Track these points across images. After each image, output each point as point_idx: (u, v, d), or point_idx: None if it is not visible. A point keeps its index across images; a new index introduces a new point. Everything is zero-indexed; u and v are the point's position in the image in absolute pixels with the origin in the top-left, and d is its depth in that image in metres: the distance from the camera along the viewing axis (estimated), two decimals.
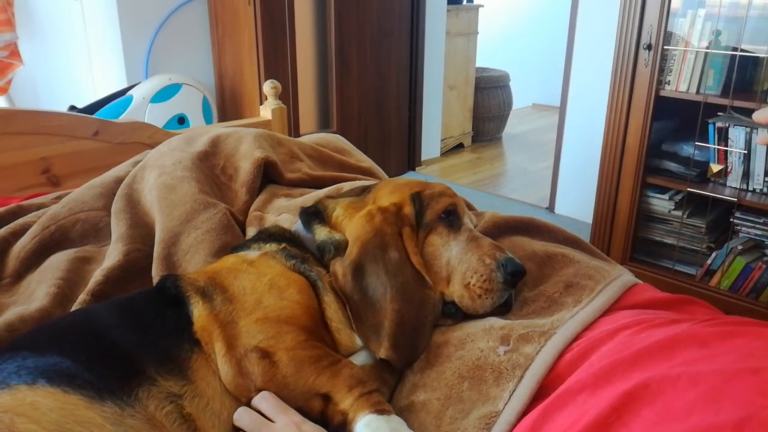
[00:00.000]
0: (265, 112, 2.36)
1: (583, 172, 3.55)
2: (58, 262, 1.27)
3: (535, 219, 1.22)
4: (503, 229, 1.18)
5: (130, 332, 0.86)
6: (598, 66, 3.36)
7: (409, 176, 1.76)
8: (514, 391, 0.81)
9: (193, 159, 1.47)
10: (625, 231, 2.79)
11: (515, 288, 1.00)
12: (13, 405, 0.68)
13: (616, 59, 2.65)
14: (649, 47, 2.55)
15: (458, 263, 0.99)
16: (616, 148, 2.73)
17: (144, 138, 2.00)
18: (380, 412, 0.79)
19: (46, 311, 1.10)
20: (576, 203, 3.72)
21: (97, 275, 1.18)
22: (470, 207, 1.34)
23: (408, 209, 1.03)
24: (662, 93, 2.60)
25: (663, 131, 2.78)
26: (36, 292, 1.19)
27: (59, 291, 1.17)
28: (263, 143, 1.54)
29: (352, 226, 1.02)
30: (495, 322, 0.93)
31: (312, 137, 1.82)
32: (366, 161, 1.74)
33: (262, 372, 0.82)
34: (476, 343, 0.89)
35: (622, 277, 1.02)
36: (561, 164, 3.79)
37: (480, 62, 5.23)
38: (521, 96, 6.12)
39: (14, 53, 3.05)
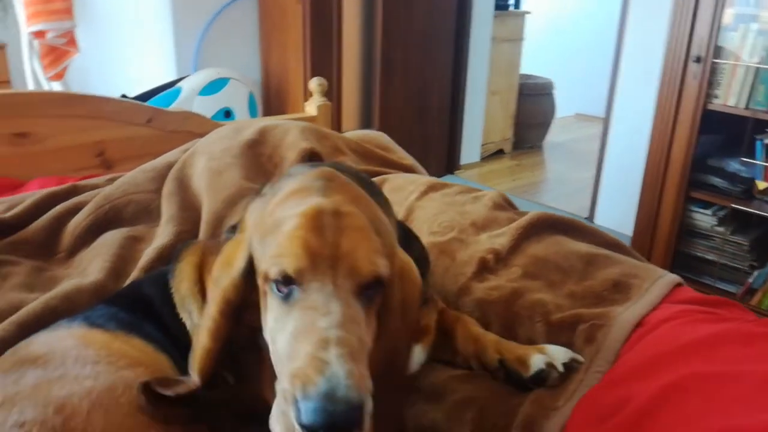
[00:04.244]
0: (311, 108, 2.40)
1: (625, 183, 3.51)
2: (111, 239, 1.33)
3: (579, 221, 1.23)
4: (547, 226, 1.20)
5: None
6: (644, 77, 3.32)
7: (446, 180, 1.68)
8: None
9: (241, 147, 1.51)
10: (665, 244, 2.76)
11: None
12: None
13: (664, 71, 2.62)
14: (698, 60, 2.51)
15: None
16: (661, 161, 2.70)
17: (194, 127, 2.06)
18: None
19: (101, 284, 1.15)
20: (616, 214, 3.68)
21: (149, 252, 1.23)
22: (511, 205, 1.36)
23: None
24: (710, 107, 2.56)
25: (709, 145, 2.73)
26: (90, 267, 1.24)
27: (112, 266, 1.22)
28: (309, 135, 1.58)
29: None
30: None
31: (356, 133, 1.86)
32: (408, 159, 1.77)
33: None
34: None
35: (667, 275, 1.04)
36: (603, 174, 3.75)
37: (524, 69, 5.21)
38: (565, 105, 6.08)
39: (71, 41, 3.15)
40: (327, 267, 0.64)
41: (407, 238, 0.96)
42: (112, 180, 1.63)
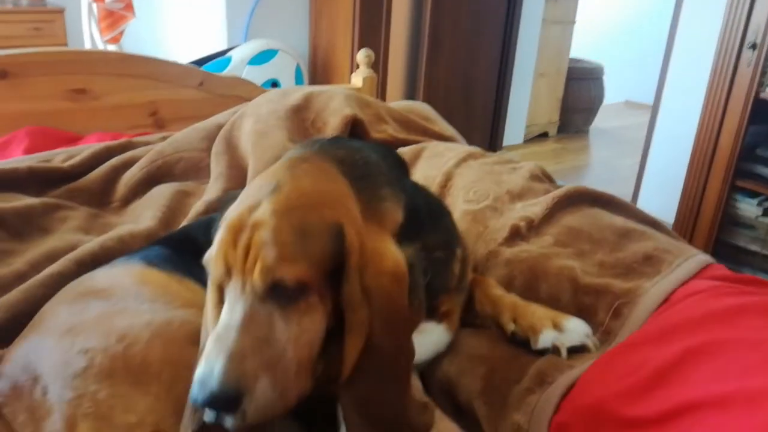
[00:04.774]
0: (356, 79, 2.43)
1: (670, 170, 3.45)
2: (162, 192, 1.40)
3: (617, 197, 1.24)
4: (584, 199, 1.21)
5: None
6: (697, 65, 3.24)
7: None
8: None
9: (287, 111, 1.57)
10: (707, 233, 2.72)
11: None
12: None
13: (717, 57, 2.57)
14: (753, 47, 2.45)
15: None
16: (708, 149, 2.66)
17: (243, 93, 2.13)
18: None
19: (153, 231, 1.23)
20: (659, 202, 3.62)
21: (198, 206, 1.30)
22: (549, 179, 1.38)
23: None
24: (762, 95, 2.50)
25: (759, 135, 2.67)
26: (142, 216, 1.32)
27: (163, 216, 1.29)
28: (352, 102, 1.62)
29: None
30: None
31: (400, 103, 1.89)
32: (450, 131, 1.79)
33: None
34: None
35: (699, 255, 1.05)
36: (648, 161, 3.70)
37: (574, 52, 5.13)
38: (614, 91, 5.96)
39: (128, 6, 3.24)
40: (238, 273, 0.71)
41: (433, 214, 0.96)
42: (164, 138, 1.71)
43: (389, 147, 0.97)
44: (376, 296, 0.73)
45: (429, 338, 0.94)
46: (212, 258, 0.74)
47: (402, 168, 0.96)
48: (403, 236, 0.83)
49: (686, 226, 2.78)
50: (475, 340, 0.97)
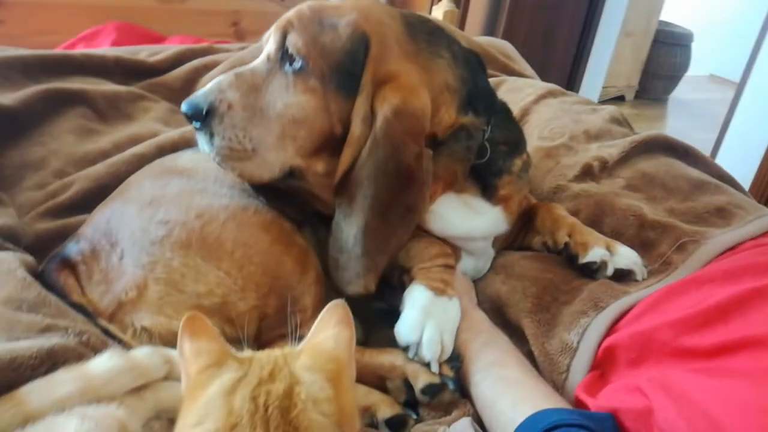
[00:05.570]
0: (437, 13, 2.40)
1: (746, 152, 3.31)
2: None
3: (697, 149, 1.21)
4: (662, 147, 1.18)
5: None
6: None
7: None
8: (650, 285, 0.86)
9: None
10: None
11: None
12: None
13: None
14: None
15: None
16: None
17: None
18: (432, 288, 0.85)
19: None
20: None
21: None
22: (629, 125, 1.34)
23: None
24: None
25: None
26: None
27: None
28: None
29: None
30: None
31: (482, 38, 1.85)
32: (529, 71, 1.76)
33: None
34: None
35: None
36: (725, 139, 3.55)
37: (665, 15, 4.88)
38: (700, 62, 5.67)
39: None
40: (267, 41, 0.87)
41: (503, 115, 0.98)
42: (243, 48, 1.73)
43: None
44: (378, 119, 0.78)
45: (483, 218, 0.95)
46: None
47: (480, 65, 0.95)
48: (460, 108, 0.86)
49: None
50: (528, 262, 0.98)
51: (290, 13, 0.84)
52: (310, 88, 0.80)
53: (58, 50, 1.67)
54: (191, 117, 0.84)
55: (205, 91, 0.84)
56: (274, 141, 0.82)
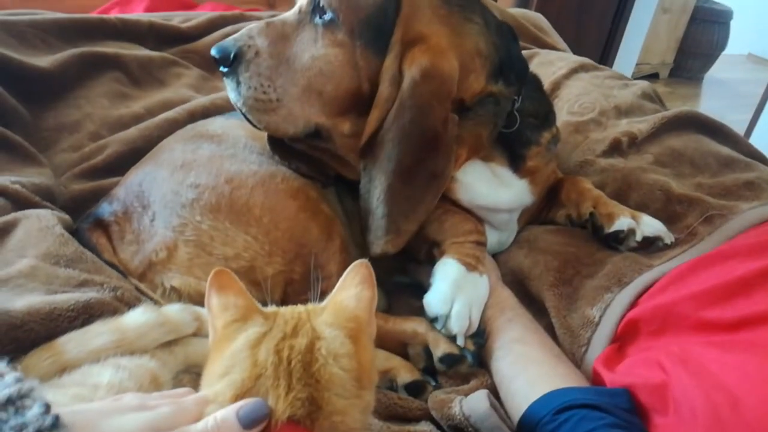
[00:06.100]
0: None
1: None
2: None
3: (728, 127, 1.19)
4: (693, 124, 1.17)
5: None
6: None
7: None
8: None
9: None
10: None
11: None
12: None
13: None
14: None
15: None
16: None
17: None
18: (464, 263, 0.86)
19: None
20: None
21: None
22: (660, 101, 1.33)
23: None
24: None
25: None
26: None
27: None
28: None
29: None
30: None
31: (516, 10, 1.83)
32: (561, 44, 1.73)
33: None
34: None
35: None
36: (759, 120, 3.47)
37: None
38: (738, 41, 5.50)
39: None
40: None
41: (534, 86, 0.97)
42: (274, 16, 1.73)
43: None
44: (406, 81, 0.77)
45: (510, 190, 0.95)
46: None
47: (512, 35, 0.94)
48: (490, 76, 0.85)
49: None
50: (551, 236, 0.98)
51: None
52: (338, 41, 0.80)
53: (94, 14, 1.70)
54: (219, 60, 0.84)
55: (235, 36, 0.84)
56: (300, 93, 0.82)
